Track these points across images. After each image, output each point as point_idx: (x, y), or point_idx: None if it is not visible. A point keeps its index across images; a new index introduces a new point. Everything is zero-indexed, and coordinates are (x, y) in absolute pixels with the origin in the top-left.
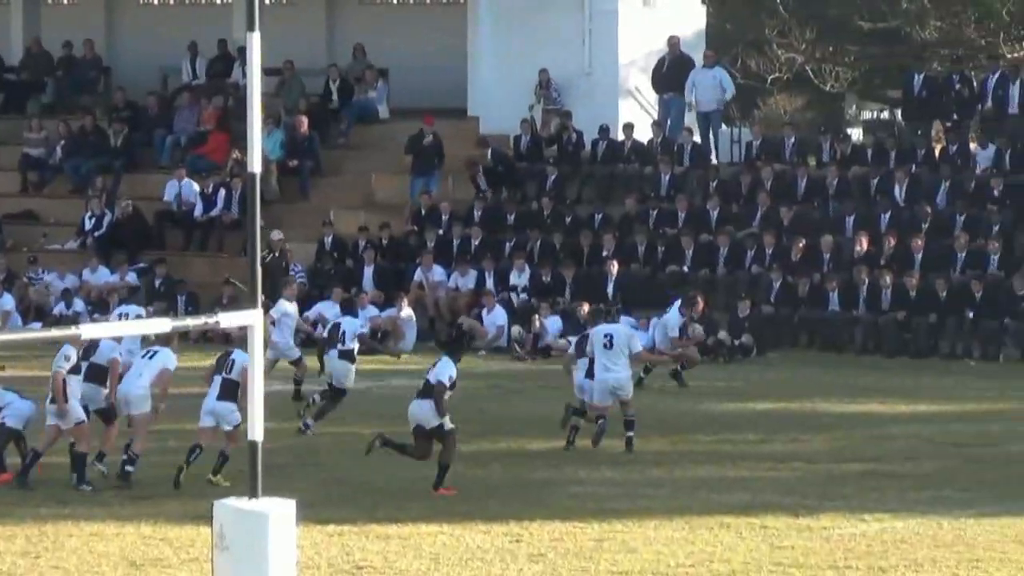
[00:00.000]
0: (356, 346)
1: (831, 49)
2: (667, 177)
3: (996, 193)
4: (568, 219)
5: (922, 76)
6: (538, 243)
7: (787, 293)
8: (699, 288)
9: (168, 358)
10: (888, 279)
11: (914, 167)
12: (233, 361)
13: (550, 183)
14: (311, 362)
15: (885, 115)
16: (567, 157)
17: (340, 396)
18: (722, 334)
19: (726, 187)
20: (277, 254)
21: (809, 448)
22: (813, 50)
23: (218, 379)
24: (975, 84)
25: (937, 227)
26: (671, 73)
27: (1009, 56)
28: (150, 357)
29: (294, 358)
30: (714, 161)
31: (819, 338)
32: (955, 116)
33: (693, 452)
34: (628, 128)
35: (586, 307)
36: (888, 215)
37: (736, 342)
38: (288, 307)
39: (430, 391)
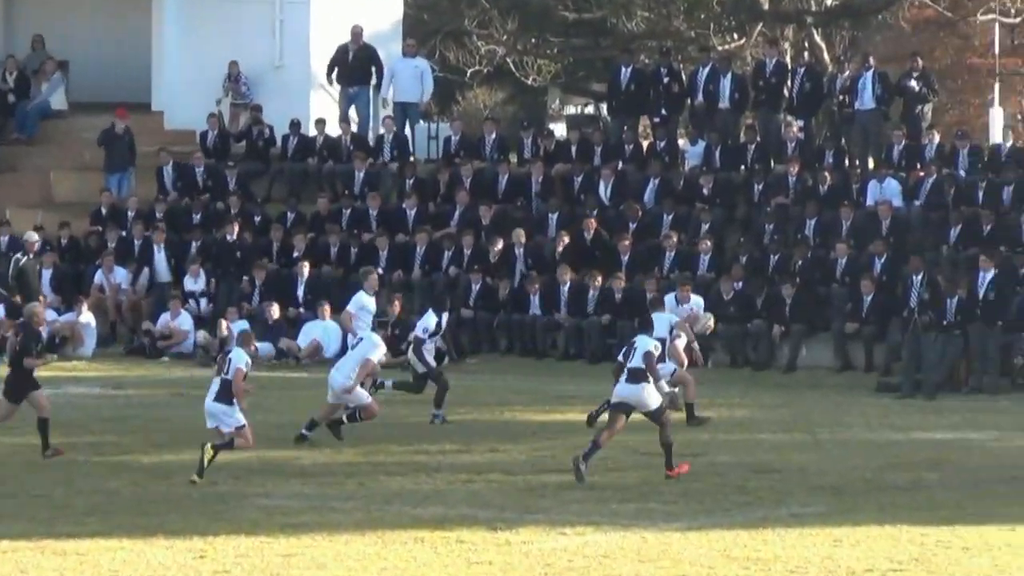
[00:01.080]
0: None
1: (533, 41)
2: (361, 174)
3: (706, 191)
4: (258, 218)
5: (629, 69)
6: (228, 243)
7: (486, 296)
8: (394, 291)
9: None
10: (598, 281)
11: (621, 164)
12: (229, 361)
13: (238, 181)
14: None
15: (590, 110)
16: (257, 153)
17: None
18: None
19: (423, 185)
20: (32, 256)
21: (508, 459)
22: (515, 42)
23: (217, 380)
24: (684, 77)
25: (645, 226)
26: (357, 65)
27: (720, 48)
28: None
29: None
30: (411, 158)
31: (520, 343)
32: (663, 111)
33: (386, 463)
34: (320, 123)
35: (276, 308)
36: (594, 214)
37: None
38: (366, 300)
39: (639, 375)
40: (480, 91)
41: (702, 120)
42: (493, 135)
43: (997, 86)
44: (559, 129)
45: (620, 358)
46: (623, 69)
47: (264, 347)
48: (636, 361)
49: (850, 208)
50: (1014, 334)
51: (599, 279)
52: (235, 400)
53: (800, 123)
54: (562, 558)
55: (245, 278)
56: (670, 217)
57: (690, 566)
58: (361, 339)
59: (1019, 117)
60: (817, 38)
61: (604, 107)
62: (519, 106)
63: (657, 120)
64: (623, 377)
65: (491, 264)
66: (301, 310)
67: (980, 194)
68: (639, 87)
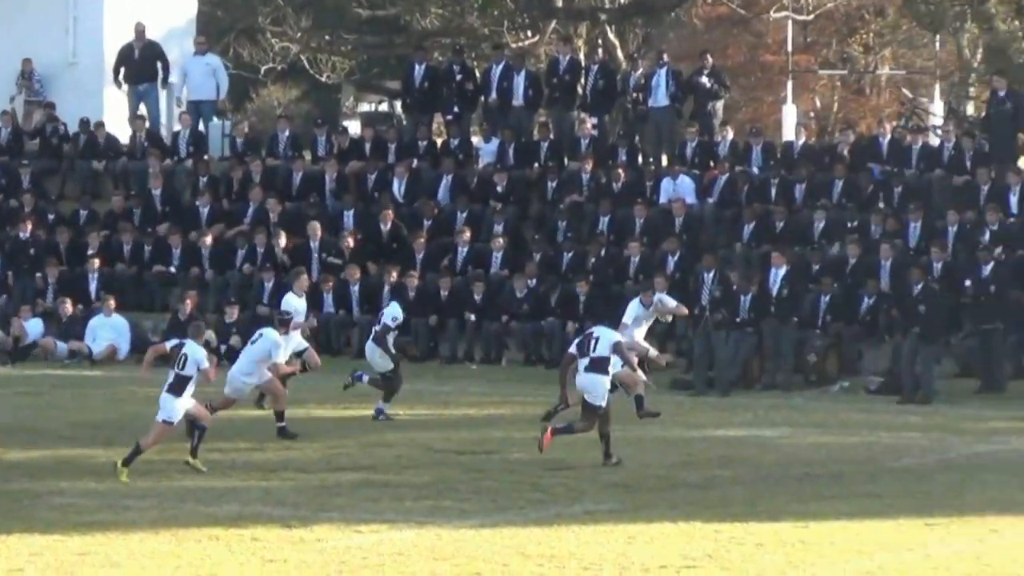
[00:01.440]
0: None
1: (327, 38)
2: (156, 172)
3: (500, 189)
4: (51, 216)
5: (422, 66)
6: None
7: (280, 294)
8: (188, 287)
9: None
10: (393, 277)
11: (415, 162)
12: (185, 356)
13: (32, 179)
14: None
15: (384, 107)
16: (51, 151)
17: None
18: (209, 335)
19: (217, 182)
20: None
21: (302, 457)
22: (309, 39)
23: (172, 373)
24: (478, 75)
25: (439, 224)
26: (143, 63)
27: (514, 45)
28: None
29: (303, 348)
30: (205, 155)
31: (314, 340)
32: (456, 108)
33: (181, 462)
34: (99, 125)
35: (69, 304)
36: (384, 213)
37: (224, 347)
38: (296, 302)
39: (602, 365)
40: (274, 88)
41: (496, 117)
42: (287, 132)
43: (790, 83)
44: (353, 127)
45: (574, 350)
46: (416, 66)
47: (61, 347)
48: (600, 351)
49: (644, 206)
50: (807, 331)
51: (394, 275)
52: (182, 395)
53: (594, 120)
54: (356, 556)
55: (39, 275)
56: (464, 214)
57: (484, 563)
58: (261, 335)
59: (811, 114)
60: (611, 35)
61: (398, 104)
62: (313, 103)
63: (450, 117)
64: (582, 366)
65: (283, 262)
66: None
67: (773, 191)
68: (432, 84)
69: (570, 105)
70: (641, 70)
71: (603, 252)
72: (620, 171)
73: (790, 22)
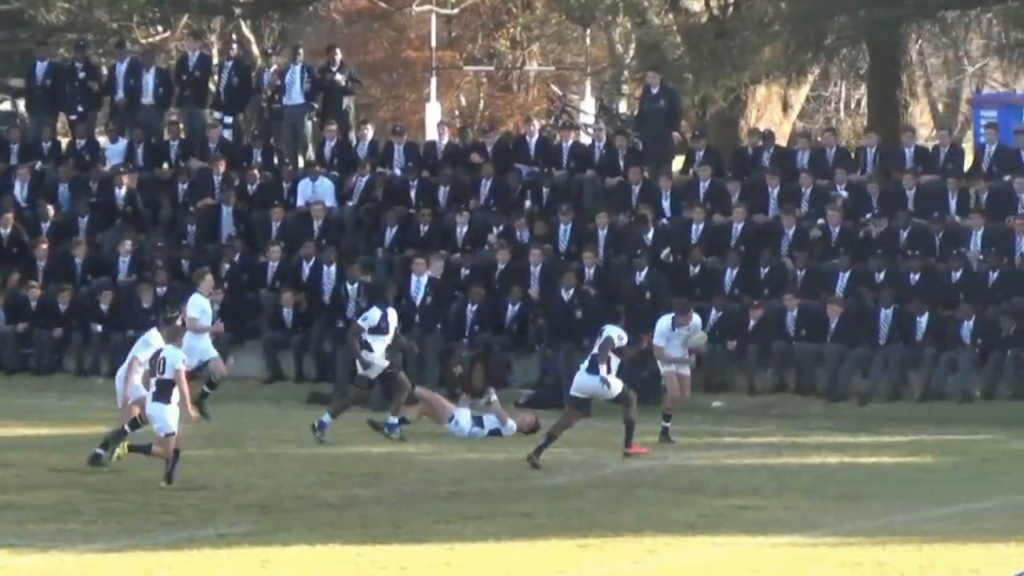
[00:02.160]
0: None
1: None
2: None
3: (128, 191)
4: None
5: (45, 63)
6: None
7: None
8: None
9: None
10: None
11: (38, 163)
12: (164, 360)
13: None
14: None
15: (7, 106)
16: None
17: None
18: None
19: None
20: None
21: None
22: None
23: (153, 380)
24: (104, 72)
25: (60, 229)
26: None
27: (144, 41)
28: None
29: (210, 357)
30: None
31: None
32: (81, 107)
33: None
34: None
35: None
36: (4, 216)
37: None
38: (203, 302)
39: (592, 364)
40: None
41: (124, 116)
42: None
43: (434, 80)
44: None
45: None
46: (39, 63)
47: None
48: (595, 349)
49: (281, 209)
50: (454, 340)
51: (14, 281)
52: (170, 401)
53: (227, 119)
54: None
55: None
56: (84, 220)
57: None
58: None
59: (456, 113)
60: (246, 30)
61: (22, 103)
62: None
63: (75, 117)
64: (583, 365)
65: None
66: None
67: (415, 193)
68: (55, 82)
69: (202, 103)
70: (276, 67)
71: (236, 258)
72: (255, 172)
73: (433, 16)
